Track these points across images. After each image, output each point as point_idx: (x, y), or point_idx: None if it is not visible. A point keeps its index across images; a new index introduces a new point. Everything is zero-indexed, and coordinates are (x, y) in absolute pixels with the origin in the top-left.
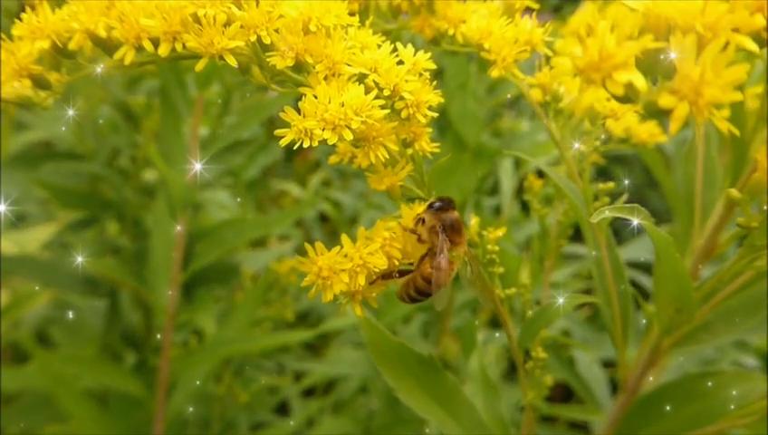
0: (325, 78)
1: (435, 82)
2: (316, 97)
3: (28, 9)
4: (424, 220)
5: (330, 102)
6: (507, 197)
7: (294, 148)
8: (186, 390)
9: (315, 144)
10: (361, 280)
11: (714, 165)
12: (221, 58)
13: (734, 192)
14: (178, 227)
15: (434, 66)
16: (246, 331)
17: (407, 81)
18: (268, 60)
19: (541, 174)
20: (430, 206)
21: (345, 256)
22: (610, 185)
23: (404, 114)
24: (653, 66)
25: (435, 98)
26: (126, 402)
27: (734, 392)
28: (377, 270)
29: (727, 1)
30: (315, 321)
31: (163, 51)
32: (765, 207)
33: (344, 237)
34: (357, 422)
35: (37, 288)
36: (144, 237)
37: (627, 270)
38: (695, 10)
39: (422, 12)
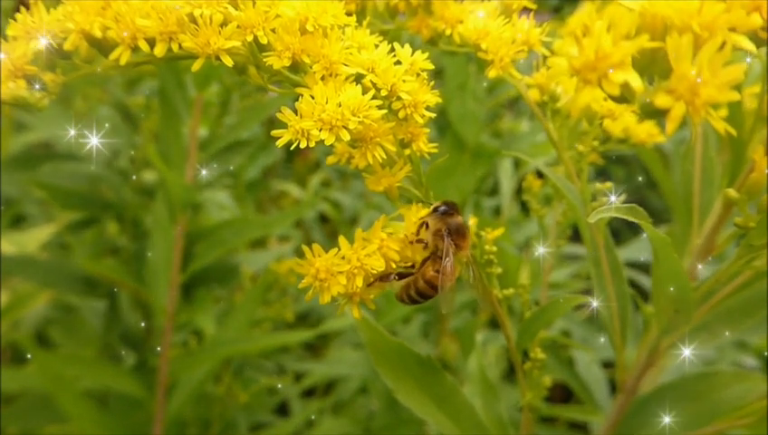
0: (322, 78)
1: (432, 83)
2: (313, 97)
3: (23, 9)
4: (428, 224)
5: (327, 103)
6: (507, 197)
7: (291, 148)
8: (185, 390)
9: (312, 144)
10: (359, 282)
11: (712, 165)
12: (217, 58)
13: (732, 192)
14: (178, 228)
15: (431, 66)
16: (246, 331)
17: (404, 81)
18: (265, 60)
19: (540, 175)
20: (435, 210)
21: (342, 258)
22: (608, 185)
23: (401, 114)
24: (650, 66)
25: (432, 98)
26: (125, 403)
27: (732, 393)
28: (374, 272)
29: (724, 0)
30: (315, 321)
31: (159, 51)
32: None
33: (341, 239)
34: (357, 423)
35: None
36: (143, 238)
37: (626, 271)
38: (691, 9)
39: (419, 12)
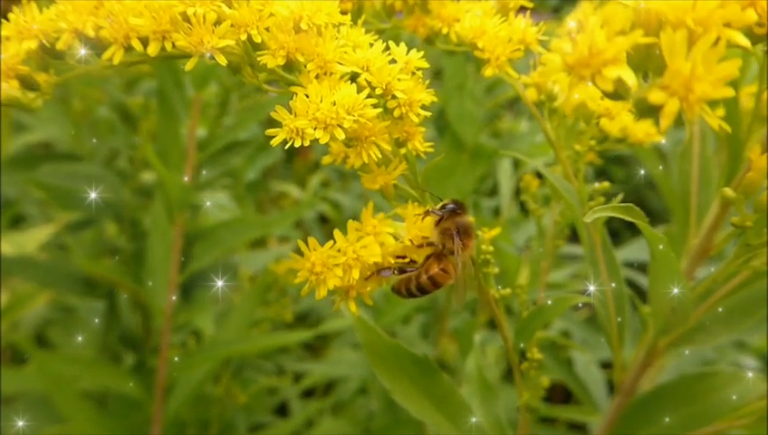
0: (317, 77)
1: (428, 82)
2: (308, 96)
3: (15, 9)
4: (435, 221)
5: (321, 101)
6: (506, 198)
7: (285, 147)
8: (184, 391)
9: (307, 143)
10: (355, 274)
11: (709, 164)
12: (211, 57)
13: (729, 191)
14: (176, 228)
15: (426, 65)
16: (245, 332)
17: (399, 79)
18: (259, 59)
19: (539, 175)
20: (443, 207)
21: (338, 250)
22: (605, 185)
23: (396, 113)
24: (645, 62)
25: (427, 97)
26: (124, 404)
27: (731, 393)
28: (370, 263)
29: None
30: (315, 322)
31: (152, 50)
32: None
33: (337, 232)
34: (356, 423)
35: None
36: (142, 238)
37: (626, 271)
38: (685, 5)
39: (416, 11)
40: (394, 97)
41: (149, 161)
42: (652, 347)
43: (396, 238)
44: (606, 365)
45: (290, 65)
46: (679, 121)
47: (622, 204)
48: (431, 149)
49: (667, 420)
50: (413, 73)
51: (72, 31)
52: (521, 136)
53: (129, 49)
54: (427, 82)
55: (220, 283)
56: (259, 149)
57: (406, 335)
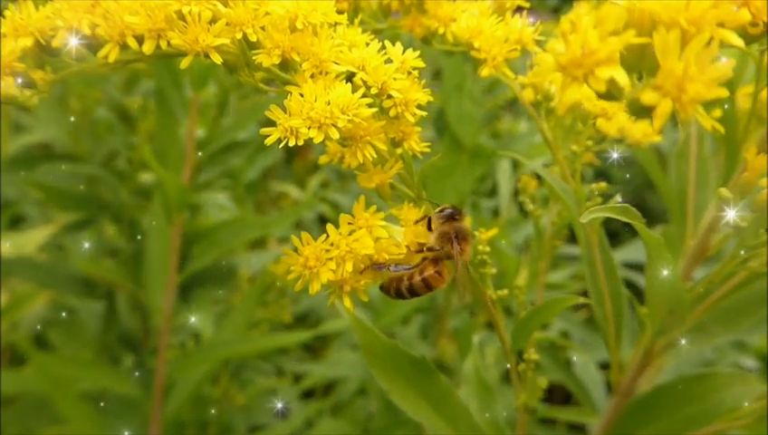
0: (312, 76)
1: (426, 82)
2: (302, 95)
3: (11, 6)
4: (432, 225)
5: (316, 101)
6: (505, 198)
7: (281, 147)
8: (183, 392)
9: (301, 142)
10: (348, 267)
11: (706, 165)
12: (206, 56)
13: (725, 191)
14: (174, 229)
15: (422, 64)
16: (244, 333)
17: (395, 79)
18: (255, 58)
19: (538, 175)
20: (441, 212)
21: (331, 244)
22: (603, 185)
23: (392, 113)
24: (639, 63)
25: (424, 96)
26: (123, 404)
27: (729, 394)
28: (362, 255)
29: None
30: (314, 322)
31: (147, 48)
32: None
33: (329, 227)
34: (356, 424)
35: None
36: (141, 239)
37: (626, 272)
38: (678, 4)
39: (412, 11)
40: (390, 96)
41: (148, 162)
42: (649, 348)
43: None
44: (605, 366)
45: (286, 64)
46: (677, 121)
47: (619, 205)
48: (428, 149)
49: (665, 421)
50: (409, 73)
51: (68, 28)
52: (520, 136)
53: (124, 47)
54: (426, 81)
55: (219, 284)
56: (258, 150)
57: (405, 336)
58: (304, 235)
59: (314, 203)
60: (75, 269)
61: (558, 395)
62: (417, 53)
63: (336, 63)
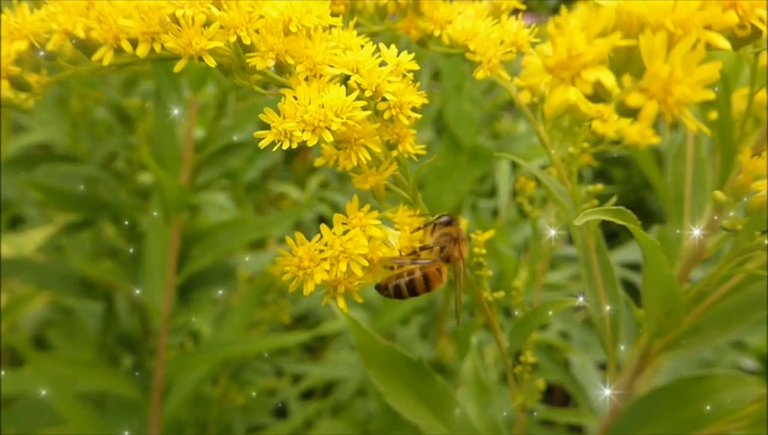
0: (306, 79)
1: (424, 84)
2: (296, 98)
3: (6, 9)
4: (431, 231)
5: (309, 104)
6: (504, 199)
7: (275, 149)
8: (182, 392)
9: (294, 145)
10: (342, 267)
11: (703, 166)
12: (200, 59)
13: (720, 194)
14: (173, 230)
15: (417, 67)
16: (243, 333)
17: (389, 81)
18: (248, 61)
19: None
20: (437, 219)
21: (325, 244)
22: (599, 187)
23: (386, 115)
24: (626, 65)
25: (418, 99)
26: (122, 405)
27: (728, 396)
28: (356, 255)
29: None
30: (313, 323)
31: (141, 51)
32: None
33: (323, 227)
34: (355, 425)
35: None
36: (140, 240)
37: (625, 272)
38: (665, 7)
39: (408, 13)
40: (384, 99)
41: (147, 163)
42: (647, 349)
43: (387, 245)
44: (605, 367)
45: (280, 67)
46: (676, 123)
47: (615, 207)
48: (423, 152)
49: (663, 422)
50: (404, 75)
51: (63, 32)
52: (519, 137)
53: (119, 50)
54: (424, 83)
55: (218, 284)
56: (258, 151)
57: (404, 337)
58: (298, 235)
59: (314, 203)
60: (74, 270)
61: (558, 395)
62: (412, 55)
63: (330, 66)
